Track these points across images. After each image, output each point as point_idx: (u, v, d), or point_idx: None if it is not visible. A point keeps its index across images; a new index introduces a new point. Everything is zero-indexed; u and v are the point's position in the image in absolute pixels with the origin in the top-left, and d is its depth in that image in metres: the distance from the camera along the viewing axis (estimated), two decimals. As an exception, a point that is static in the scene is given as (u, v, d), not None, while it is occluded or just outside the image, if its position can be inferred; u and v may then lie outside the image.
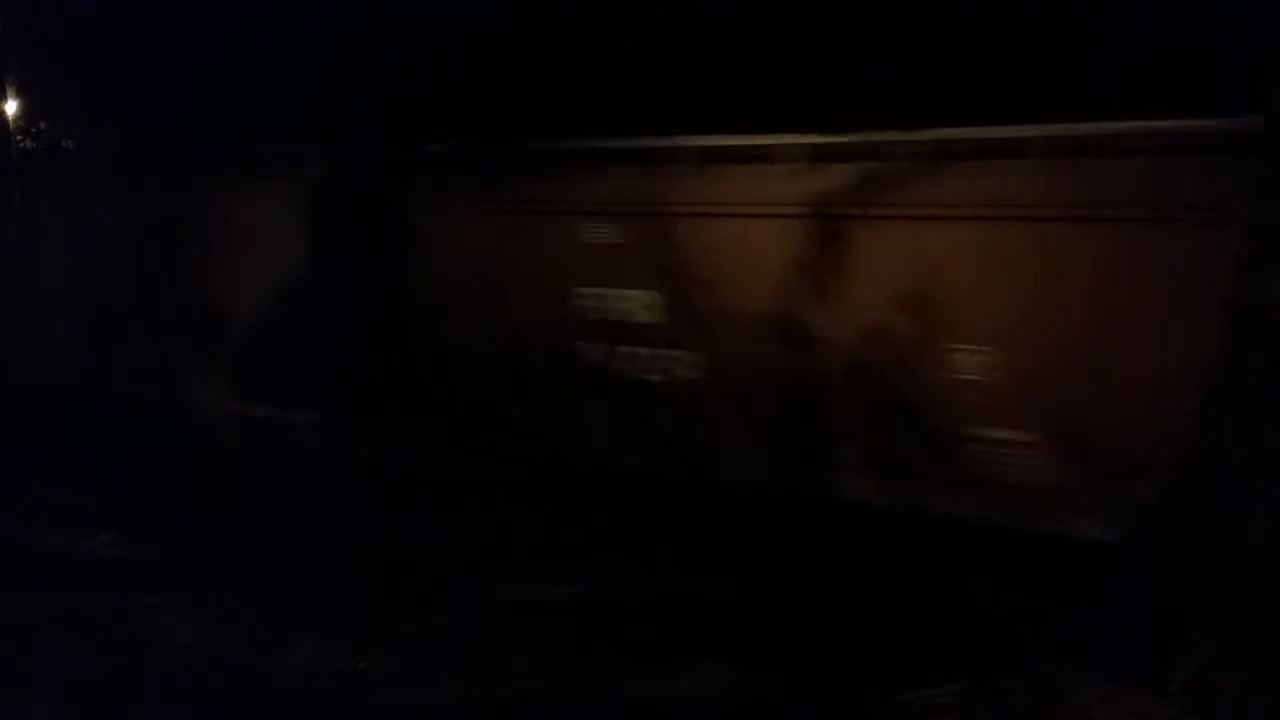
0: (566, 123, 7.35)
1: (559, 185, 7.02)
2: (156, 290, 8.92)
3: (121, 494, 7.04)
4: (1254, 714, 3.98)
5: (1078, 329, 5.34)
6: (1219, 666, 4.06)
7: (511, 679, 4.66)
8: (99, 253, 9.27)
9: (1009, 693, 4.34)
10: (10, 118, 9.70)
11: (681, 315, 6.48)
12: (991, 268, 5.54)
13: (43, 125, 10.21)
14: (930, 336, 5.71)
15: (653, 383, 6.61)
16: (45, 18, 9.73)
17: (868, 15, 6.99)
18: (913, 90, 6.41)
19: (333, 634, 5.06)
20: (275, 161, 8.25)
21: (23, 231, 9.58)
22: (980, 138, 5.73)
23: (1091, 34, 6.30)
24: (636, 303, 6.66)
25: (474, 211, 7.40)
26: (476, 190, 7.41)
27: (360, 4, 8.19)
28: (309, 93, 7.94)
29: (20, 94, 9.79)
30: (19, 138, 9.99)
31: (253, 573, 5.82)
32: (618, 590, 5.62)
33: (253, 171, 8.36)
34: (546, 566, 5.92)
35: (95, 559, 6.11)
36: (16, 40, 9.68)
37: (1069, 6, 6.56)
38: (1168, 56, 5.85)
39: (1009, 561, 5.29)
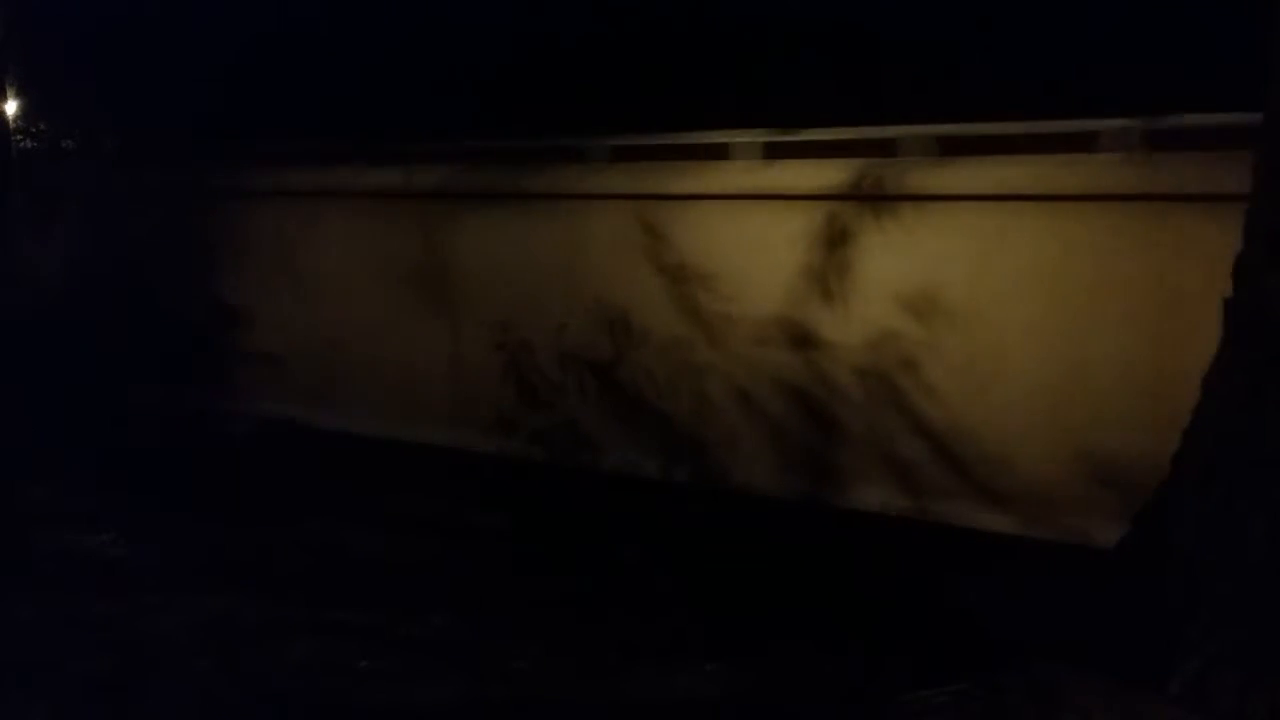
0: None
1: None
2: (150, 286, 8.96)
3: (121, 494, 7.04)
4: (1254, 714, 3.98)
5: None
6: (1219, 666, 4.06)
7: (513, 679, 4.66)
8: (98, 252, 9.28)
9: (1009, 693, 4.34)
10: (10, 118, 9.71)
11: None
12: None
13: (43, 125, 10.20)
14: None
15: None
16: (45, 17, 9.71)
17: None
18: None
19: (334, 633, 5.06)
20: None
21: (23, 231, 9.59)
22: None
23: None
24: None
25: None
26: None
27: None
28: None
29: (20, 94, 9.78)
30: (19, 138, 9.98)
31: (253, 572, 5.83)
32: (618, 589, 5.62)
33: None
34: (546, 565, 5.93)
35: (95, 559, 6.11)
36: (16, 40, 9.68)
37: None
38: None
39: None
